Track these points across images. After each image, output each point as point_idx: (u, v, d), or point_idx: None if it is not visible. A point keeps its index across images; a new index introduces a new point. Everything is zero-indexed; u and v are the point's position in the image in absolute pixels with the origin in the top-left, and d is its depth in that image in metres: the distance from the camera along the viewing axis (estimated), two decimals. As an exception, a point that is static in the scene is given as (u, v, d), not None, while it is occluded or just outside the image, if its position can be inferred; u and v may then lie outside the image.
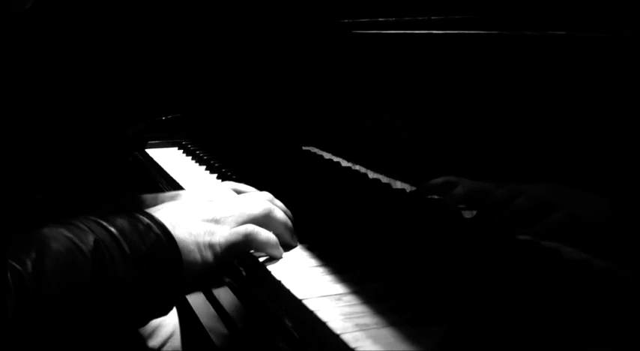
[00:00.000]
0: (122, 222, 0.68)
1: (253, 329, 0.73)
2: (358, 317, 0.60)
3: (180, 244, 0.70)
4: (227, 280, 0.77)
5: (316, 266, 0.74)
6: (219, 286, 0.80)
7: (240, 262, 0.78)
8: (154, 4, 1.82)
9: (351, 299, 0.64)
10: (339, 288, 0.67)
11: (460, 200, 0.88)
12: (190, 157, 1.40)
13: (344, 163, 1.22)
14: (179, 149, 1.53)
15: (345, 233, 0.81)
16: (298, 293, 0.65)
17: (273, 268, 0.73)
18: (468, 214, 0.87)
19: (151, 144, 1.57)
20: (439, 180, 0.93)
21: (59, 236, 0.64)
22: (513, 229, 0.77)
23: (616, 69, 0.67)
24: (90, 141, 1.76)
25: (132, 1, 1.80)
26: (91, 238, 0.65)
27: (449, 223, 0.86)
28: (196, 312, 0.97)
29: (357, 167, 1.18)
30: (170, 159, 1.42)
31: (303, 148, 1.38)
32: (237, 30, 1.71)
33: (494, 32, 0.83)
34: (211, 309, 0.84)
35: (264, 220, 0.78)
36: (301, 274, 0.71)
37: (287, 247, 0.79)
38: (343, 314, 0.60)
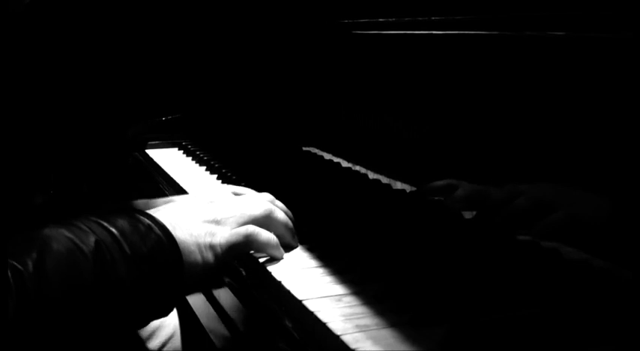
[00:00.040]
0: (123, 223, 0.68)
1: (253, 330, 0.73)
2: (358, 318, 0.60)
3: (181, 245, 0.70)
4: (227, 280, 0.77)
5: (316, 267, 0.74)
6: (219, 286, 0.80)
7: (240, 263, 0.78)
8: (153, 4, 1.82)
9: (351, 300, 0.64)
10: (339, 289, 0.67)
11: (461, 202, 0.88)
12: (190, 158, 1.40)
13: (344, 164, 1.22)
14: (179, 150, 1.53)
15: (345, 234, 0.81)
16: (298, 294, 0.65)
17: (274, 269, 0.73)
18: (468, 215, 0.88)
19: (151, 145, 1.57)
20: (440, 183, 0.93)
21: (60, 237, 0.64)
22: (513, 229, 0.77)
23: (616, 69, 0.67)
24: (90, 142, 1.76)
25: (132, 1, 1.80)
26: (91, 239, 0.65)
27: (449, 224, 0.86)
28: (196, 313, 0.98)
29: (358, 168, 1.18)
30: (170, 160, 1.42)
31: (304, 148, 1.38)
32: (237, 30, 1.71)
33: (494, 33, 0.84)
34: (211, 310, 0.84)
35: (265, 221, 0.78)
36: (301, 275, 0.71)
37: (288, 248, 0.79)
38: (343, 315, 0.60)
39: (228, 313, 0.79)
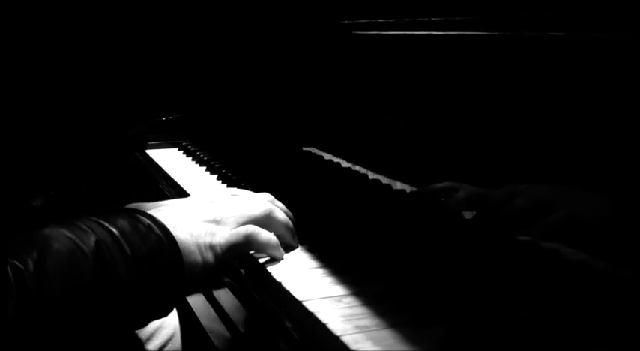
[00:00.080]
0: (123, 223, 0.68)
1: (253, 330, 0.73)
2: (358, 319, 0.60)
3: (181, 245, 0.70)
4: (227, 281, 0.77)
5: (317, 267, 0.74)
6: (219, 287, 0.80)
7: (240, 263, 0.78)
8: (153, 4, 1.82)
9: (351, 300, 0.64)
10: (339, 289, 0.67)
11: (462, 204, 0.88)
12: (190, 158, 1.40)
13: (344, 164, 1.22)
14: (179, 150, 1.53)
15: (345, 234, 0.81)
16: (298, 295, 0.65)
17: (274, 270, 0.73)
18: (467, 215, 0.88)
19: (151, 145, 1.57)
20: (441, 185, 0.93)
21: (60, 236, 0.64)
22: (513, 229, 0.77)
23: (616, 70, 0.67)
24: (90, 142, 1.76)
25: (132, 1, 1.80)
26: (92, 239, 0.65)
27: (449, 224, 0.86)
28: (196, 313, 0.98)
29: (358, 168, 1.18)
30: (170, 160, 1.42)
31: (304, 148, 1.38)
32: (237, 31, 1.71)
33: (494, 33, 0.84)
34: (211, 310, 0.84)
35: (265, 221, 0.78)
36: (301, 276, 0.71)
37: (288, 248, 0.79)
38: (343, 316, 0.60)
39: (228, 313, 0.79)
